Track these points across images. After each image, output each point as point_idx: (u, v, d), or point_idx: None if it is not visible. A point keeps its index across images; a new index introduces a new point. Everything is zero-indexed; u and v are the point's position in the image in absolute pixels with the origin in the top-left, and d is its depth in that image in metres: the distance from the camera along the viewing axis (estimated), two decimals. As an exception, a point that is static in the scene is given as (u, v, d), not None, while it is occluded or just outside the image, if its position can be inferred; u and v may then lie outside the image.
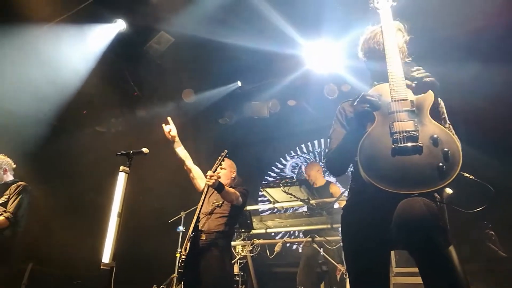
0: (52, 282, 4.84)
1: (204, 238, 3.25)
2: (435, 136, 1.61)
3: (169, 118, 3.53)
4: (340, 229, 4.43)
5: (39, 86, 5.13)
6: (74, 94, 5.48)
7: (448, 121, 1.87)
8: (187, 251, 3.16)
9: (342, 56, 5.60)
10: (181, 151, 3.59)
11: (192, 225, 3.25)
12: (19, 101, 5.10)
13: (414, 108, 1.72)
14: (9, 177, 4.11)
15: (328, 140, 2.08)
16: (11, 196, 3.90)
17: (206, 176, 3.18)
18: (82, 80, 5.43)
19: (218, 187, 3.16)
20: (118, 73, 5.95)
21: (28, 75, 5.02)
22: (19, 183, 4.02)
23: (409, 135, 1.64)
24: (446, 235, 1.53)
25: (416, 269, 3.40)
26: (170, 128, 3.50)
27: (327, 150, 2.05)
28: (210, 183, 3.10)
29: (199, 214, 3.30)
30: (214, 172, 3.18)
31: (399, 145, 1.63)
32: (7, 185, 4.02)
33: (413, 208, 1.52)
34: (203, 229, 3.28)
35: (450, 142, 1.60)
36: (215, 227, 3.29)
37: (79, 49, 5.31)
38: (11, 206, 3.83)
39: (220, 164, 3.33)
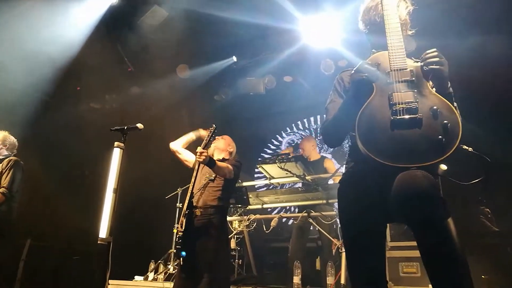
0: (51, 257, 4.88)
1: (199, 214, 3.25)
2: (435, 107, 1.58)
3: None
4: (335, 204, 4.49)
5: (31, 61, 5.03)
6: (67, 69, 5.39)
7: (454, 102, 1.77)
8: (183, 228, 3.17)
9: (339, 31, 5.51)
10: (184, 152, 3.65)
11: (186, 201, 3.24)
12: (11, 76, 5.02)
13: (413, 78, 1.67)
14: (3, 152, 4.09)
15: (325, 110, 2.03)
16: (3, 171, 3.88)
17: (196, 153, 3.15)
18: (75, 56, 5.34)
19: (209, 163, 3.14)
20: (112, 49, 5.84)
21: (19, 49, 4.92)
22: (11, 158, 4.00)
23: (408, 106, 1.61)
24: (446, 207, 1.52)
25: (410, 243, 3.48)
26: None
27: (324, 121, 2.01)
28: (201, 160, 3.07)
29: (192, 190, 3.29)
30: (204, 148, 3.15)
31: (398, 117, 1.60)
32: (0, 160, 4.00)
33: (414, 180, 1.50)
34: (197, 205, 3.27)
35: (450, 114, 1.57)
36: (209, 201, 3.29)
37: (70, 23, 5.19)
38: (4, 181, 3.82)
39: (209, 140, 3.29)
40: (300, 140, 7.34)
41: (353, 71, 1.76)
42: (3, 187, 3.79)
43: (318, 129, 7.40)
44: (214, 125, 3.33)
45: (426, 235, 1.50)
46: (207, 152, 3.12)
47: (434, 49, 1.69)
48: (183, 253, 2.94)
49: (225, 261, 3.40)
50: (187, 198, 3.25)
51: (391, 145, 1.59)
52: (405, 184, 1.52)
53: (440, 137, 1.53)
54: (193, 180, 3.31)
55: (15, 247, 4.62)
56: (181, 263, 3.19)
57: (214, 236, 3.19)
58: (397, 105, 1.62)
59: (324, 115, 2.02)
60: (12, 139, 4.19)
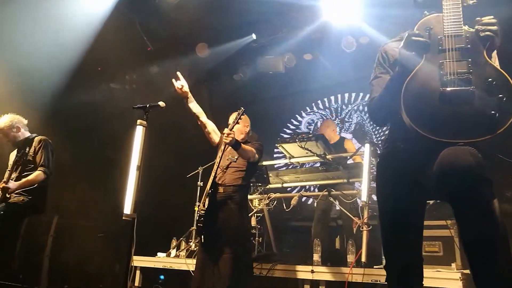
0: (77, 234, 5.03)
1: (222, 191, 3.29)
2: (490, 79, 1.45)
3: (179, 73, 3.42)
4: (356, 183, 4.44)
5: (51, 43, 5.09)
6: (87, 51, 5.44)
7: None
8: (205, 207, 3.21)
9: (360, 6, 5.37)
10: (195, 106, 3.53)
11: (210, 181, 3.28)
12: (32, 59, 5.09)
13: (469, 46, 1.53)
14: (25, 133, 4.13)
15: (370, 86, 1.90)
16: (36, 150, 3.96)
17: (223, 134, 3.16)
18: (95, 37, 5.37)
19: (235, 145, 3.16)
20: (131, 28, 5.85)
21: (39, 32, 4.98)
22: (40, 138, 4.05)
23: (461, 77, 1.48)
24: (491, 187, 1.44)
25: (432, 222, 3.44)
26: (181, 84, 3.40)
27: (368, 99, 1.90)
28: (227, 141, 3.09)
29: (216, 170, 3.32)
30: (231, 130, 3.16)
31: (448, 89, 1.48)
32: (28, 140, 4.06)
33: (459, 156, 1.42)
34: (220, 183, 3.32)
35: (507, 88, 1.44)
36: (231, 181, 3.32)
37: (90, 4, 5.21)
38: (41, 160, 3.90)
39: (237, 122, 3.30)
40: (320, 120, 7.28)
41: (406, 37, 1.61)
42: (42, 165, 3.88)
43: (339, 108, 7.31)
44: (242, 108, 3.32)
45: (469, 216, 1.43)
46: (234, 134, 3.13)
47: (491, 16, 1.55)
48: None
49: (246, 239, 3.45)
50: (211, 177, 3.29)
51: (438, 119, 1.47)
52: (448, 160, 1.44)
53: (493, 112, 1.41)
54: (217, 160, 3.34)
55: (44, 223, 4.78)
56: (203, 241, 3.24)
57: (236, 214, 3.23)
58: (448, 76, 1.49)
59: (370, 86, 1.90)
60: (17, 117, 4.15)
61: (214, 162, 3.41)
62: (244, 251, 3.25)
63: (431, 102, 1.50)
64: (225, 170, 3.38)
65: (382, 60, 1.91)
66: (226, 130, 3.14)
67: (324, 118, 7.33)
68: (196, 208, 5.01)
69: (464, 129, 1.45)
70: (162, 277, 4.72)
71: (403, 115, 1.54)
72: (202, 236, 3.24)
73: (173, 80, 3.41)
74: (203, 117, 3.56)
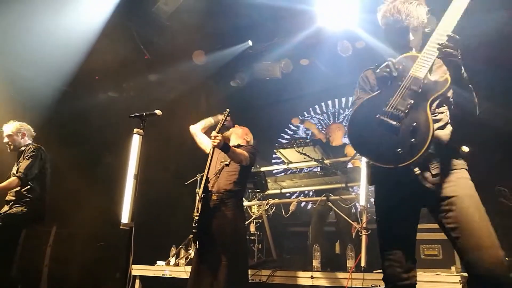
0: (76, 243, 5.02)
1: (215, 198, 3.25)
2: (415, 124, 1.67)
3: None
4: (354, 188, 4.45)
5: (49, 52, 5.11)
6: (84, 59, 5.46)
7: (444, 105, 1.88)
8: (199, 212, 3.17)
9: (355, 11, 5.40)
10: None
11: (202, 185, 3.25)
12: (30, 67, 5.11)
13: (420, 90, 1.72)
14: (27, 141, 4.17)
15: (351, 106, 2.10)
16: (24, 157, 3.97)
17: (210, 137, 3.13)
18: (92, 46, 5.39)
19: (223, 147, 3.11)
20: (127, 37, 5.87)
21: (37, 40, 5.00)
22: (34, 146, 4.06)
23: (395, 112, 1.71)
24: None
25: (431, 225, 3.44)
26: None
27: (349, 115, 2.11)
28: (215, 144, 3.05)
29: (207, 175, 3.28)
30: (218, 132, 3.13)
31: (378, 117, 1.73)
32: (25, 148, 4.08)
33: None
34: (213, 190, 3.27)
35: (423, 137, 1.65)
36: (224, 186, 3.28)
37: (86, 13, 5.23)
38: (22, 166, 3.89)
39: (223, 124, 3.27)
40: (318, 125, 7.30)
41: (378, 69, 1.83)
42: (20, 171, 3.86)
43: (336, 113, 7.33)
44: (227, 109, 3.31)
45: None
46: (221, 136, 3.10)
47: (449, 36, 1.70)
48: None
49: (242, 245, 3.41)
50: (203, 182, 3.26)
51: (373, 142, 1.75)
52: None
53: (399, 149, 1.67)
54: (208, 164, 3.30)
55: (42, 234, 4.77)
56: (197, 247, 3.21)
57: (231, 221, 3.19)
58: (388, 108, 1.73)
59: (350, 106, 2.11)
60: (26, 125, 4.23)
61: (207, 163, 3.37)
62: (239, 258, 3.21)
63: (371, 127, 1.77)
64: (218, 175, 3.33)
65: (363, 83, 2.11)
66: (213, 133, 3.10)
67: (322, 122, 7.35)
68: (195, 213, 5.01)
69: (391, 155, 1.70)
70: None
71: (348, 138, 1.88)
72: (197, 242, 3.21)
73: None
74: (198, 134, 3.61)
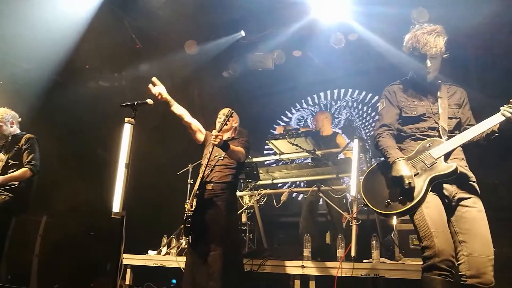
0: (66, 233, 5.00)
1: (210, 188, 3.27)
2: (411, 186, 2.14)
3: (154, 79, 3.30)
4: (346, 178, 4.49)
5: (39, 41, 5.03)
6: (75, 48, 5.38)
7: None
8: (193, 207, 3.18)
9: (349, 3, 5.40)
10: (177, 108, 3.43)
11: (198, 181, 3.25)
12: (20, 57, 5.03)
13: (429, 166, 2.18)
14: (17, 130, 4.10)
15: (379, 115, 2.50)
16: (23, 148, 3.92)
17: (211, 136, 3.10)
18: (83, 34, 5.32)
19: (224, 147, 3.12)
20: (119, 26, 5.80)
21: (27, 29, 4.92)
22: (28, 136, 4.01)
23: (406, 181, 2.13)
24: None
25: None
26: (159, 91, 3.26)
27: (376, 126, 2.49)
28: (216, 143, 3.04)
29: (204, 170, 3.28)
30: (219, 131, 3.14)
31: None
32: (16, 137, 4.02)
33: None
34: (208, 181, 3.29)
35: (412, 197, 2.13)
36: (220, 178, 3.30)
37: (77, 1, 5.16)
38: (29, 158, 3.87)
39: (226, 124, 3.29)
40: (310, 116, 7.33)
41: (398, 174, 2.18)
42: (29, 163, 3.84)
43: (328, 104, 7.34)
44: (230, 109, 3.31)
45: None
46: (222, 136, 3.10)
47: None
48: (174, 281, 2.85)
49: (235, 236, 3.44)
50: (198, 178, 3.26)
51: (376, 193, 2.28)
52: None
53: (388, 201, 2.19)
54: (205, 161, 3.30)
55: (32, 223, 4.74)
56: (190, 241, 3.23)
57: (224, 212, 3.21)
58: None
59: (378, 116, 2.53)
60: (11, 111, 4.13)
61: (203, 160, 3.38)
62: (233, 248, 3.24)
63: (380, 180, 2.31)
64: (212, 168, 3.35)
65: (390, 98, 2.47)
66: (214, 132, 3.09)
67: (314, 114, 7.37)
68: (187, 206, 5.01)
69: (383, 203, 2.23)
70: (174, 281, 4.66)
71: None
72: (190, 237, 3.22)
73: (150, 86, 3.28)
74: (187, 117, 3.47)
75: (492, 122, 2.13)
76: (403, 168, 2.15)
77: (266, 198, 4.73)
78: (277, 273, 3.71)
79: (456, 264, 2.06)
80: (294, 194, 5.83)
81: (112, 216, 3.09)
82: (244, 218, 4.89)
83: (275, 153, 5.05)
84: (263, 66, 6.63)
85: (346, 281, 3.34)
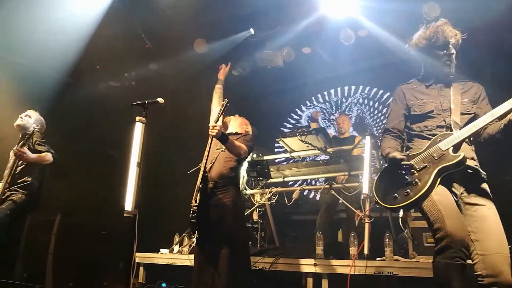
0: (80, 232, 5.05)
1: (212, 185, 3.22)
2: (416, 181, 2.17)
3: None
4: (359, 175, 4.45)
5: (50, 42, 5.08)
6: (85, 49, 5.43)
7: None
8: (197, 202, 3.14)
9: (358, -1, 5.35)
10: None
11: (200, 175, 3.22)
12: (31, 58, 5.09)
13: (436, 158, 2.17)
14: (31, 127, 4.19)
15: (388, 117, 2.55)
16: (35, 143, 4.01)
17: (208, 126, 3.07)
18: (93, 35, 5.37)
19: (222, 138, 3.07)
20: (128, 26, 5.83)
21: (37, 31, 4.97)
22: (37, 134, 4.10)
23: (411, 169, 2.22)
24: None
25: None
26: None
27: (384, 126, 2.54)
28: (213, 134, 3.00)
29: (205, 164, 3.24)
30: (216, 122, 3.08)
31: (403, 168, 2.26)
32: (27, 133, 4.08)
33: None
34: (210, 177, 3.24)
35: (417, 191, 2.14)
36: (221, 172, 3.25)
37: (87, 2, 5.20)
38: (45, 148, 3.99)
39: (222, 114, 3.22)
40: (321, 113, 7.28)
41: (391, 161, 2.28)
42: (49, 150, 3.96)
43: (339, 101, 7.29)
44: (226, 99, 3.24)
45: None
46: (220, 126, 3.05)
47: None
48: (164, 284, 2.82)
49: (243, 233, 3.41)
50: (201, 172, 3.22)
51: (386, 188, 2.32)
52: None
53: (396, 195, 2.22)
54: (206, 154, 3.25)
55: (47, 222, 4.80)
56: (197, 237, 3.19)
57: (231, 209, 3.17)
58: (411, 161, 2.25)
59: (385, 119, 2.51)
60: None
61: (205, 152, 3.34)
62: (241, 246, 3.20)
63: (391, 175, 2.34)
64: (214, 161, 3.30)
65: (397, 98, 2.50)
66: (212, 123, 3.06)
67: (325, 111, 7.33)
68: (192, 201, 5.02)
69: (391, 198, 2.27)
70: (164, 285, 4.66)
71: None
72: (197, 232, 3.18)
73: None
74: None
75: (506, 107, 2.05)
76: (396, 154, 2.24)
77: (277, 196, 4.71)
78: (289, 271, 3.69)
79: (472, 262, 2.01)
80: (305, 192, 5.81)
81: (125, 215, 3.12)
82: (255, 216, 4.88)
83: (286, 151, 5.03)
84: (272, 63, 6.61)
85: (359, 279, 3.31)
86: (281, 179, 4.96)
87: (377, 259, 3.46)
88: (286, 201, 4.59)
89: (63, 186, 4.88)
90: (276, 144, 6.64)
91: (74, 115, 5.52)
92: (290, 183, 5.18)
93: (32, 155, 3.86)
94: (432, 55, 2.35)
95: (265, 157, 5.03)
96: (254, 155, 5.09)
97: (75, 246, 4.92)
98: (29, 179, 3.93)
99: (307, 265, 3.56)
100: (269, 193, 4.66)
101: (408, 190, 2.14)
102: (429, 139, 2.27)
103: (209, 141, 3.24)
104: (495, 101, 2.29)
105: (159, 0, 5.42)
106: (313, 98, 7.60)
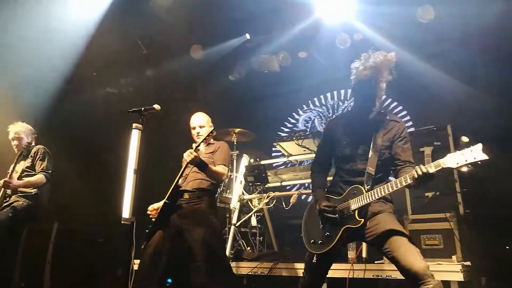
0: (77, 240, 5.03)
1: (188, 197, 3.20)
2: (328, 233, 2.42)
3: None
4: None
5: (46, 50, 5.08)
6: (82, 56, 5.43)
7: None
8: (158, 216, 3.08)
9: (353, 3, 5.38)
10: None
11: (168, 193, 3.10)
12: (27, 65, 5.07)
13: (345, 215, 2.38)
14: (32, 143, 4.26)
15: (316, 151, 2.87)
16: (36, 158, 4.10)
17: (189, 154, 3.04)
18: (89, 42, 5.37)
19: (200, 164, 3.07)
20: (124, 32, 5.84)
21: (33, 39, 4.98)
22: (38, 147, 4.21)
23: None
24: None
25: (432, 215, 3.46)
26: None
27: (312, 161, 2.89)
28: (189, 159, 2.99)
29: (176, 183, 3.16)
30: (195, 150, 3.04)
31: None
32: (29, 149, 4.19)
33: None
34: (185, 189, 3.21)
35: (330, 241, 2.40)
36: (196, 185, 3.23)
37: (82, 9, 5.21)
38: (41, 166, 4.07)
39: (203, 141, 3.17)
40: (318, 117, 7.30)
41: (319, 209, 2.43)
42: (42, 170, 4.03)
43: (335, 105, 7.32)
44: (213, 131, 3.19)
45: None
46: (198, 154, 3.03)
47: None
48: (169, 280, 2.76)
49: (219, 246, 3.35)
50: (170, 190, 3.11)
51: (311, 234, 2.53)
52: None
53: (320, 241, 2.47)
54: (178, 177, 3.17)
55: (44, 230, 4.78)
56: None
57: (206, 218, 3.14)
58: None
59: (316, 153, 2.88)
60: (29, 126, 4.37)
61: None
62: (219, 261, 3.15)
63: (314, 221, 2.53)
64: (189, 174, 3.27)
65: (326, 133, 2.75)
66: (189, 151, 3.03)
67: (321, 115, 7.34)
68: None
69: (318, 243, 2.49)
70: (170, 280, 4.65)
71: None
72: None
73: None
74: None
75: (403, 183, 2.15)
76: (325, 204, 2.39)
77: (275, 200, 4.71)
78: (288, 276, 3.68)
79: None
80: (303, 196, 5.80)
81: (122, 222, 3.11)
82: (254, 222, 4.88)
83: (283, 155, 5.03)
84: (268, 68, 6.63)
85: (358, 283, 3.31)
86: (278, 184, 4.96)
87: (376, 262, 3.46)
88: (284, 206, 4.59)
89: (60, 193, 4.85)
90: (274, 149, 6.64)
91: (71, 121, 5.51)
92: (287, 187, 5.17)
93: (18, 183, 3.93)
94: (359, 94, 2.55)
95: (263, 162, 5.04)
96: (252, 160, 5.10)
97: (73, 254, 4.89)
98: (33, 190, 4.01)
99: (306, 270, 3.54)
100: (267, 197, 4.65)
101: (321, 241, 2.42)
102: (349, 182, 2.45)
103: (183, 165, 3.17)
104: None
105: (155, 6, 5.43)
106: (309, 102, 7.61)
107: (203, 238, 3.03)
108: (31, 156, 4.14)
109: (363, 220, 2.27)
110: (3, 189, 3.94)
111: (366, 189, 2.30)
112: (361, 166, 2.40)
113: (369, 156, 2.36)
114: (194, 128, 3.43)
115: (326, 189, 2.58)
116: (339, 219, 2.35)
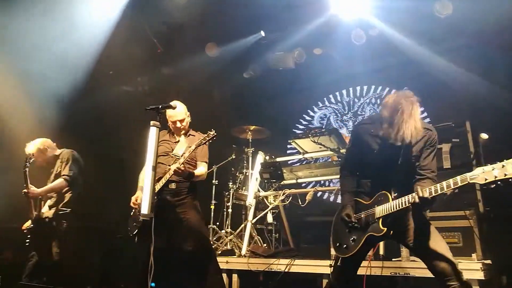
0: (97, 236, 5.11)
1: (174, 187, 3.33)
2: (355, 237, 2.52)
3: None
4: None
5: (63, 50, 5.17)
6: (98, 55, 5.51)
7: None
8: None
9: (368, -2, 5.33)
10: None
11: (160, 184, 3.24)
12: (44, 65, 5.17)
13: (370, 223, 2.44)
14: (56, 151, 4.33)
15: (345, 155, 2.91)
16: (63, 164, 4.20)
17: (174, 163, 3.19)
18: (105, 41, 5.44)
19: (188, 177, 3.30)
20: (140, 31, 5.90)
21: (51, 39, 5.07)
22: (64, 150, 4.30)
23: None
24: None
25: (451, 213, 3.41)
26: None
27: (341, 166, 2.80)
28: (177, 173, 3.15)
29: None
30: (181, 164, 3.14)
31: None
32: (56, 156, 4.28)
33: None
34: (172, 179, 3.30)
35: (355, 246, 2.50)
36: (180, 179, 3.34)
37: (99, 9, 5.28)
38: (64, 169, 4.15)
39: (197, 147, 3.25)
40: (333, 114, 7.26)
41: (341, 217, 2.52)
42: (64, 174, 4.12)
43: (351, 102, 7.26)
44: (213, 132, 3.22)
45: None
46: (184, 167, 3.16)
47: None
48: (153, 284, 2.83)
49: (205, 231, 3.61)
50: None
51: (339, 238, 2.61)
52: None
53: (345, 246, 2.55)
54: (160, 184, 3.26)
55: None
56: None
57: (192, 209, 3.37)
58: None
59: (343, 159, 2.90)
60: (47, 141, 4.39)
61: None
62: (207, 244, 3.42)
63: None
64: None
65: (354, 137, 2.69)
66: (177, 165, 3.12)
67: (337, 112, 7.30)
68: (212, 206, 5.05)
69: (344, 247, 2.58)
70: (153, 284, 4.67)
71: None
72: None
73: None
74: None
75: (407, 201, 2.22)
76: (347, 212, 2.47)
77: (291, 197, 4.71)
78: (305, 272, 3.68)
79: None
80: (319, 193, 5.78)
81: (141, 218, 3.16)
82: (270, 218, 4.88)
83: (298, 152, 5.02)
84: (283, 65, 6.62)
85: (376, 280, 3.28)
86: (294, 181, 4.95)
87: (393, 259, 3.43)
88: (300, 203, 4.58)
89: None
90: (289, 146, 6.63)
91: (88, 120, 5.60)
92: (303, 184, 5.16)
93: (39, 190, 4.01)
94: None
95: (278, 159, 5.03)
96: (267, 157, 5.10)
97: (93, 250, 4.98)
98: (68, 209, 4.12)
99: (323, 267, 3.55)
100: (283, 194, 4.65)
101: (345, 245, 2.51)
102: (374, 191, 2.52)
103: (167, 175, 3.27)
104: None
105: (170, 5, 5.47)
106: (325, 99, 7.56)
107: (199, 221, 3.35)
108: (60, 162, 4.23)
109: (386, 229, 2.30)
110: (31, 200, 4.04)
111: (392, 197, 2.30)
112: (389, 173, 2.39)
113: (399, 163, 2.35)
114: (174, 122, 3.45)
115: (355, 191, 2.60)
116: (364, 225, 2.41)
